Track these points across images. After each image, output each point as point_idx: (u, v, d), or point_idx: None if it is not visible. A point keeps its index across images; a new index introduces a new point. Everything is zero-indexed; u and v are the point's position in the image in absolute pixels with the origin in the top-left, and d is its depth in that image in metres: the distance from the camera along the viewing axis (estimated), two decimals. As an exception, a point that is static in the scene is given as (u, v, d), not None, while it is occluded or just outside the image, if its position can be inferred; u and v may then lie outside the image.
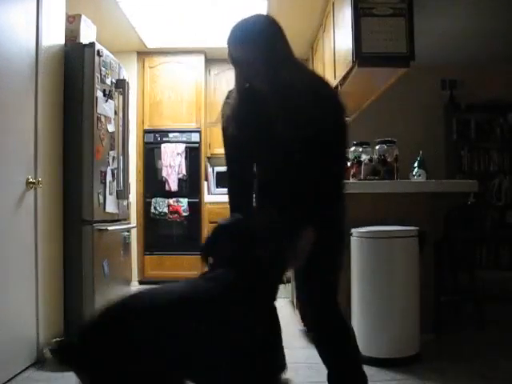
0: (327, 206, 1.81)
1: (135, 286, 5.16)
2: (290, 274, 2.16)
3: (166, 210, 5.41)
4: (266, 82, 1.80)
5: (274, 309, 1.73)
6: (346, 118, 1.88)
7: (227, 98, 1.95)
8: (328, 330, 1.94)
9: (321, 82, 1.91)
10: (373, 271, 2.69)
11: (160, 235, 5.45)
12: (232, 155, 1.98)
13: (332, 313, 1.93)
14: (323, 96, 1.81)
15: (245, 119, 1.86)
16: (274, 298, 1.73)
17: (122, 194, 3.68)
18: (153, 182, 5.49)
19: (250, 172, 1.99)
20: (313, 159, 1.76)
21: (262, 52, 1.76)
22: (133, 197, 5.17)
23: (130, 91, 3.84)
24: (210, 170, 5.79)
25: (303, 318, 2.10)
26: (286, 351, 2.97)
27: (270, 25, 1.82)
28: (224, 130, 1.95)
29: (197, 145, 5.55)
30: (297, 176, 1.80)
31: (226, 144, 1.98)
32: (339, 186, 1.87)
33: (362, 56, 3.31)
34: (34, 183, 2.71)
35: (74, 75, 3.25)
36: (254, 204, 2.02)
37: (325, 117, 1.75)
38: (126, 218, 4.00)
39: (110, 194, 3.51)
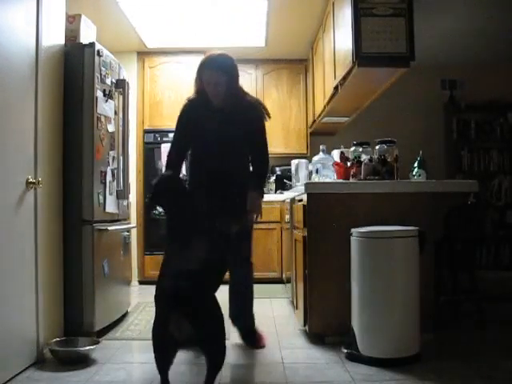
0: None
1: (135, 286, 5.17)
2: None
3: (166, 210, 5.40)
4: (222, 100, 2.82)
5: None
6: (265, 124, 2.93)
7: (190, 101, 2.96)
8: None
9: (254, 104, 2.94)
10: (373, 271, 2.69)
11: (160, 235, 5.45)
12: (180, 138, 3.00)
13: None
14: (252, 114, 2.89)
15: (199, 120, 2.87)
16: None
17: (122, 194, 3.68)
18: (153, 182, 5.48)
19: (185, 151, 3.05)
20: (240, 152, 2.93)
21: (226, 82, 2.78)
22: (133, 197, 5.17)
23: (130, 91, 3.84)
24: (209, 169, 5.78)
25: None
26: (286, 351, 3.00)
27: (234, 65, 2.85)
28: (181, 121, 2.97)
29: (197, 145, 5.55)
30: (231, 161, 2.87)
31: (179, 130, 2.99)
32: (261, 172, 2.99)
33: (362, 56, 3.31)
34: (34, 183, 2.70)
35: (73, 75, 3.25)
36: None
37: (251, 125, 2.88)
38: (126, 218, 4.00)
39: (110, 194, 3.51)
